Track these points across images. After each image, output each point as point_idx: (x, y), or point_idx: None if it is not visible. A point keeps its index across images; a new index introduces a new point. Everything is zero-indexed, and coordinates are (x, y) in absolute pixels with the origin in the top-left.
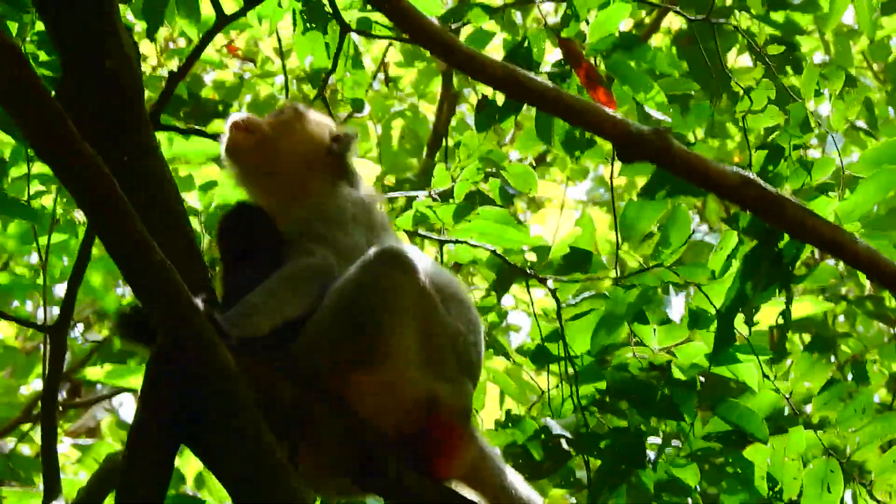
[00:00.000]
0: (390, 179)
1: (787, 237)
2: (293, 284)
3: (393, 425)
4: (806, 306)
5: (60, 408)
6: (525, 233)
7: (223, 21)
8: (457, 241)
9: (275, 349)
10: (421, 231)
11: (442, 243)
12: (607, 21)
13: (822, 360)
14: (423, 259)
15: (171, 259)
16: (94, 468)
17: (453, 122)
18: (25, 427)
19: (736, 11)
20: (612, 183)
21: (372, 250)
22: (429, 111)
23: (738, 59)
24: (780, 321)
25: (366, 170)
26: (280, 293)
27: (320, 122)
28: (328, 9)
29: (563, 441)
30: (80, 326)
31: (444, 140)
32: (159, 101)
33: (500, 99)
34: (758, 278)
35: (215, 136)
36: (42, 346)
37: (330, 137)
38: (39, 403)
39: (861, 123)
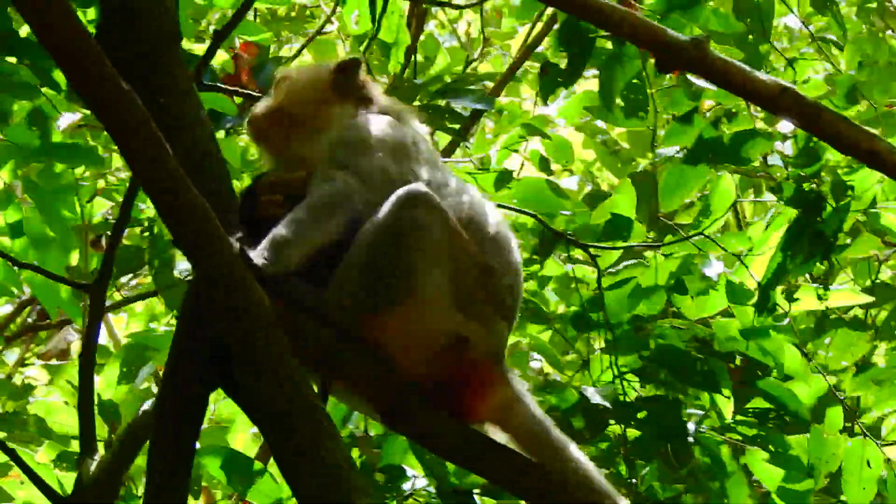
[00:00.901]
0: None
1: (829, 208)
2: (316, 213)
3: (422, 366)
4: (845, 295)
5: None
6: (566, 200)
7: None
8: (499, 206)
9: (307, 290)
10: None
11: None
12: None
13: (860, 338)
14: (461, 195)
15: (206, 199)
16: (65, 390)
17: (422, 38)
18: None
19: None
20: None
21: (398, 191)
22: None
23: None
24: (820, 293)
25: None
26: (305, 223)
27: (312, 66)
28: None
29: (601, 409)
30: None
31: (413, 56)
32: (203, 60)
33: (562, 62)
34: (799, 249)
35: (257, 96)
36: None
37: (330, 71)
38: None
39: None
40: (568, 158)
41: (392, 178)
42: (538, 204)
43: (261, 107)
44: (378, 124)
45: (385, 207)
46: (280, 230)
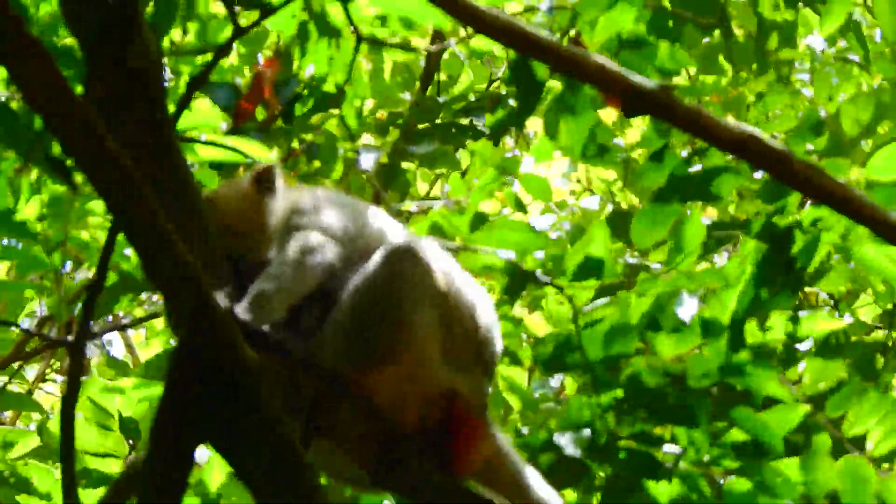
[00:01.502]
0: (382, 114)
1: (799, 242)
2: (293, 265)
3: (412, 419)
4: (820, 323)
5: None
6: (542, 239)
7: (239, 32)
8: (473, 251)
9: (294, 343)
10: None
11: (457, 252)
12: (614, 23)
13: (834, 362)
14: (438, 250)
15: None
16: (84, 406)
17: (445, 56)
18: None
19: None
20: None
21: (385, 245)
22: (420, 45)
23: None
24: (790, 327)
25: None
26: (284, 275)
27: (232, 184)
28: (335, 21)
29: (576, 455)
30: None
31: (436, 74)
32: (178, 108)
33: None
34: (770, 283)
35: (232, 148)
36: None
37: (251, 183)
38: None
39: None
40: (545, 196)
41: (352, 234)
42: (514, 245)
43: None
44: (319, 191)
45: (373, 261)
46: (260, 284)
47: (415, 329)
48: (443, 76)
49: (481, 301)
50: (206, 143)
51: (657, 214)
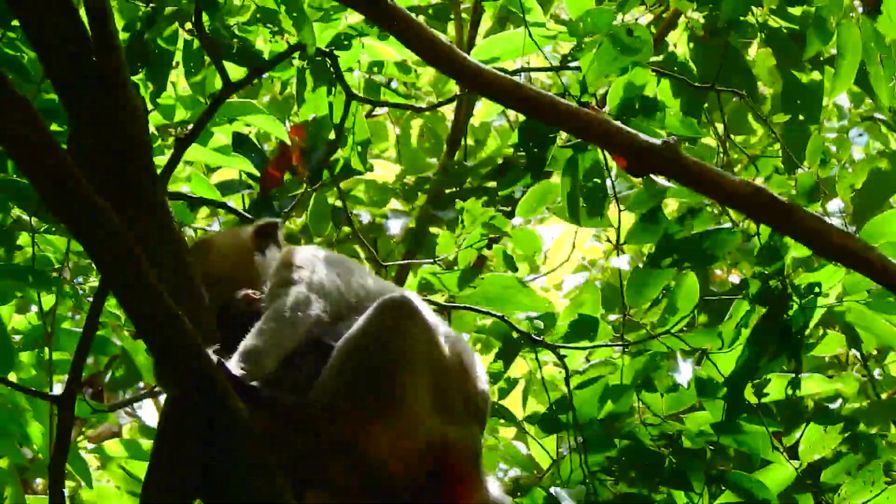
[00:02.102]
0: (410, 179)
1: (795, 306)
2: (281, 320)
3: (406, 470)
4: (814, 385)
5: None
6: (532, 298)
7: (229, 88)
8: (462, 308)
9: (287, 397)
10: (425, 297)
11: (447, 309)
12: (624, 87)
13: (832, 431)
14: (427, 306)
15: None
16: (116, 474)
17: (472, 122)
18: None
19: (752, 7)
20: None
21: (381, 299)
22: (447, 110)
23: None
24: (790, 391)
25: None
26: (273, 331)
27: (232, 232)
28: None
29: None
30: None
31: (463, 139)
32: (167, 167)
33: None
34: (767, 347)
35: (222, 205)
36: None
37: (251, 236)
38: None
39: None
40: (536, 250)
41: (342, 290)
42: (503, 303)
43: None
44: (311, 249)
45: (366, 314)
46: (250, 341)
47: (407, 381)
48: (470, 140)
49: (470, 354)
50: (194, 198)
51: (650, 276)
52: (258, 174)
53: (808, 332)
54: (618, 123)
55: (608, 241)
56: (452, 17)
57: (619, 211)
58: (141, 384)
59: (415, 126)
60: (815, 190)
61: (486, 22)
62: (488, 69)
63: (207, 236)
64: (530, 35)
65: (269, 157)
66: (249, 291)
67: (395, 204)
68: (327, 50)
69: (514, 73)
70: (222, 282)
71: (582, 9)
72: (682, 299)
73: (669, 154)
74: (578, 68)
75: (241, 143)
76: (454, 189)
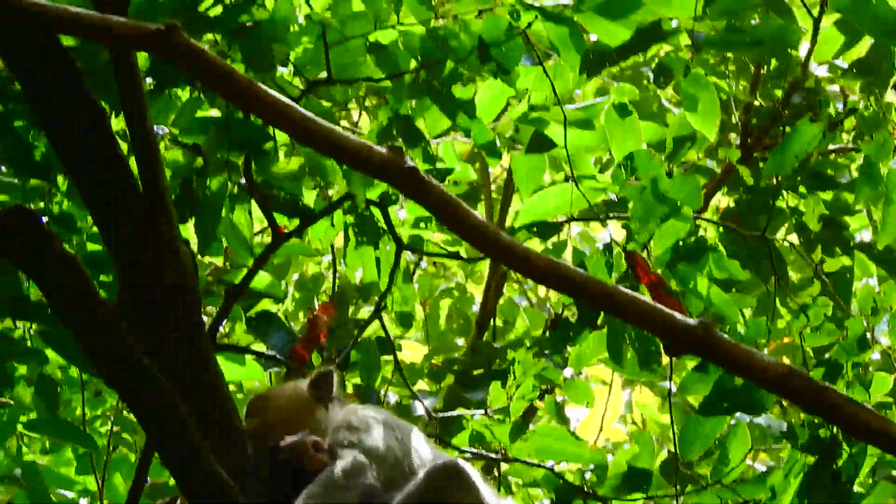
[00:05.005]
0: (437, 360)
1: (845, 454)
2: (333, 487)
3: None
4: None
5: None
6: (584, 449)
7: (279, 240)
8: (514, 461)
9: None
10: (476, 449)
11: (498, 462)
12: (669, 235)
13: None
14: (476, 472)
15: (226, 469)
16: None
17: (501, 302)
18: None
19: (784, 192)
20: (669, 393)
21: (435, 464)
22: (476, 291)
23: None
24: None
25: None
26: (324, 496)
27: (288, 387)
28: (382, 225)
29: None
30: None
31: (492, 320)
32: (216, 318)
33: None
34: (817, 496)
35: (271, 356)
36: None
37: (307, 387)
38: None
39: None
40: (589, 400)
41: (396, 454)
42: (554, 454)
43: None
44: (370, 410)
45: (417, 479)
46: (303, 502)
47: None
48: (499, 321)
49: None
50: (241, 350)
51: (703, 426)
52: (283, 359)
53: (858, 480)
54: (656, 304)
55: (633, 423)
56: (483, 197)
57: (672, 361)
58: None
59: (443, 307)
60: (863, 339)
61: (516, 203)
62: (522, 245)
63: (264, 391)
64: (577, 187)
65: (298, 335)
66: (298, 438)
67: (422, 385)
68: (377, 200)
69: (563, 224)
70: (278, 432)
71: (626, 151)
72: (734, 449)
73: (704, 334)
74: (627, 217)
75: (268, 321)
76: (482, 370)
